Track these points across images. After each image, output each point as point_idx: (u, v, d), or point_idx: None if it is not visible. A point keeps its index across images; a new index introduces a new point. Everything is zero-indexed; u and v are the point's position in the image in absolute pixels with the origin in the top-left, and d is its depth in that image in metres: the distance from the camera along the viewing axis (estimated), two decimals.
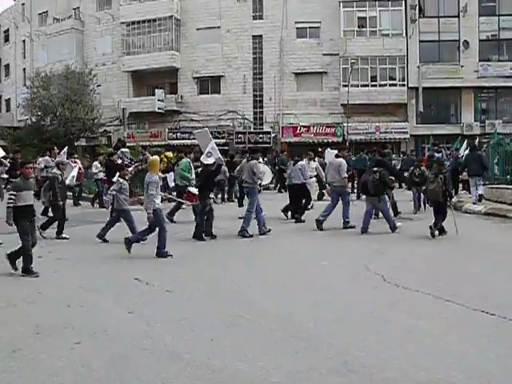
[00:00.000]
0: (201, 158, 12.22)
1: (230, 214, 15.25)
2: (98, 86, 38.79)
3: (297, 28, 38.13)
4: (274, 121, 38.35)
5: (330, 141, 34.95)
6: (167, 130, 40.27)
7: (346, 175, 13.51)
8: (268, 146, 36.52)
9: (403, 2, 35.99)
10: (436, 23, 36.22)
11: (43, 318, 6.17)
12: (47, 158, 17.69)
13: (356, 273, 8.43)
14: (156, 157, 11.70)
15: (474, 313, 6.17)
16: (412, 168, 15.97)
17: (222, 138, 37.84)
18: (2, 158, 15.17)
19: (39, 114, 37.79)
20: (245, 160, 13.77)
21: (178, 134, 39.82)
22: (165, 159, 20.50)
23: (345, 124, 35.47)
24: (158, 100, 40.18)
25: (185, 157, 15.66)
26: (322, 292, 7.34)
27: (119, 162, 15.95)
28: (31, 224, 8.64)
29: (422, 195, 15.33)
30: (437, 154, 20.80)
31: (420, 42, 36.29)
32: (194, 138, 37.68)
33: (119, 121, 39.83)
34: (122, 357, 4.99)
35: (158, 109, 40.11)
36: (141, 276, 8.18)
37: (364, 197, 13.41)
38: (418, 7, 36.28)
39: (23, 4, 51.43)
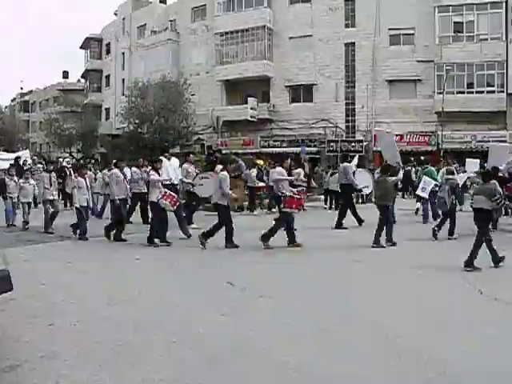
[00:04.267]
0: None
1: None
2: (192, 95, 39.73)
3: (390, 35, 37.47)
4: (367, 129, 37.98)
5: (423, 150, 34.25)
6: (259, 137, 40.82)
7: None
8: (360, 154, 36.18)
9: (503, 4, 34.49)
10: None
11: (142, 316, 6.52)
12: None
13: (454, 284, 8.35)
14: None
15: None
16: None
17: (314, 146, 37.97)
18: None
19: (136, 122, 39.13)
20: None
21: (270, 142, 40.30)
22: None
23: (439, 132, 34.51)
24: (251, 108, 40.71)
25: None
26: (416, 302, 7.34)
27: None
28: None
29: None
30: None
31: None
32: (286, 146, 38.55)
33: (212, 129, 40.83)
34: (218, 358, 5.21)
35: (251, 117, 40.63)
36: (233, 280, 8.45)
37: None
38: None
39: (124, 18, 53.86)
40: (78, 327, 6.13)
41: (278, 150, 37.90)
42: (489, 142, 33.79)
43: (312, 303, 7.31)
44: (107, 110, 58.33)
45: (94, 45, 60.09)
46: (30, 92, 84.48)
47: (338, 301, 7.40)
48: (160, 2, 53.23)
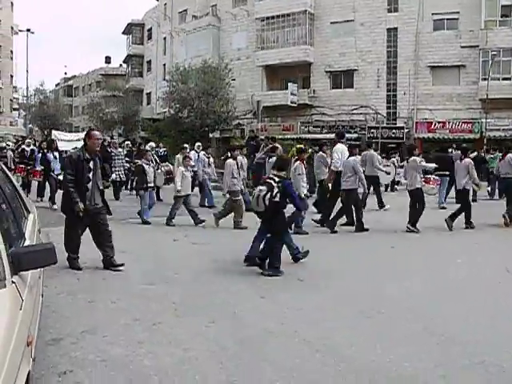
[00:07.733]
0: None
1: None
2: (232, 79, 39.55)
3: (433, 20, 36.59)
4: (408, 116, 37.41)
5: (466, 137, 33.59)
6: (299, 123, 40.65)
7: None
8: (401, 141, 35.78)
9: None
10: None
11: (180, 297, 6.61)
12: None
13: (494, 273, 8.22)
14: None
15: None
16: None
17: (355, 132, 37.56)
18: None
19: (177, 106, 39.07)
20: None
21: (311, 128, 40.08)
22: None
23: (483, 120, 33.74)
24: (291, 94, 40.45)
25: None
26: (456, 290, 7.27)
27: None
28: None
29: None
30: None
31: None
32: (326, 132, 38.22)
33: (252, 114, 40.74)
34: (253, 339, 5.26)
35: (291, 102, 40.37)
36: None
37: None
38: None
39: (165, 4, 54.18)
40: (117, 305, 6.27)
41: (317, 136, 37.68)
42: None
43: (350, 287, 7.33)
44: (148, 94, 58.92)
45: (135, 30, 60.70)
46: (74, 77, 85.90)
47: (380, 288, 7.33)
48: None
